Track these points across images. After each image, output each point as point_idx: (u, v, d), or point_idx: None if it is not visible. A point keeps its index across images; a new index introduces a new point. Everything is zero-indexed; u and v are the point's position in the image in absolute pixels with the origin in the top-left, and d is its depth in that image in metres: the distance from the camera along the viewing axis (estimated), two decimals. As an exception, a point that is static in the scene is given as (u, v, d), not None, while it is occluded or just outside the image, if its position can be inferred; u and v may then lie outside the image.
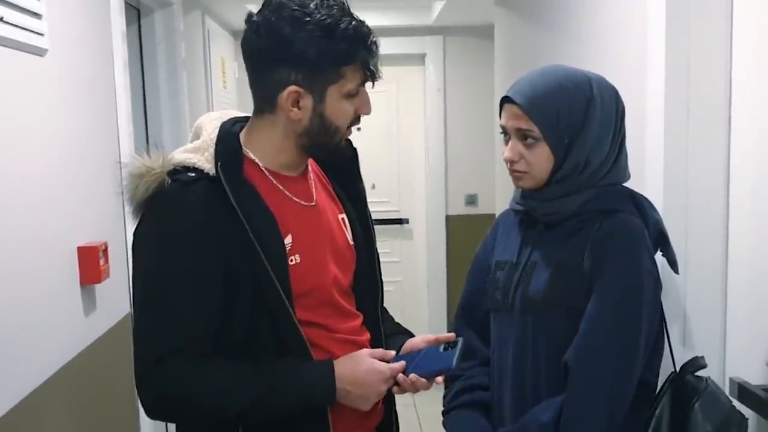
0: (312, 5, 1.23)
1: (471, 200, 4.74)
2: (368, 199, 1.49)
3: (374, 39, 1.28)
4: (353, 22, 1.24)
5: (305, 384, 1.25)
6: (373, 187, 4.57)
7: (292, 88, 1.24)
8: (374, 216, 1.51)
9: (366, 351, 1.32)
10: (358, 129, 1.37)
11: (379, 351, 1.33)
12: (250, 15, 1.27)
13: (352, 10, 1.27)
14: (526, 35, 2.93)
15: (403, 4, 4.45)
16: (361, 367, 1.27)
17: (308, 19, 1.22)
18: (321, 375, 1.26)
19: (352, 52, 1.24)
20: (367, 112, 1.33)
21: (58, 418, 1.70)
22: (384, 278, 1.49)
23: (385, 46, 1.32)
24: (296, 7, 1.23)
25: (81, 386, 1.85)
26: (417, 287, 4.91)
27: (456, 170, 4.73)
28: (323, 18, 1.22)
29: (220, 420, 1.26)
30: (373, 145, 4.39)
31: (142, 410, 2.25)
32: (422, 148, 4.81)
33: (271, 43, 1.24)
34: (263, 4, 1.27)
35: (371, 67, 1.27)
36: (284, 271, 1.25)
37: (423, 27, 4.55)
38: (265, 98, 1.28)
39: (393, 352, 1.35)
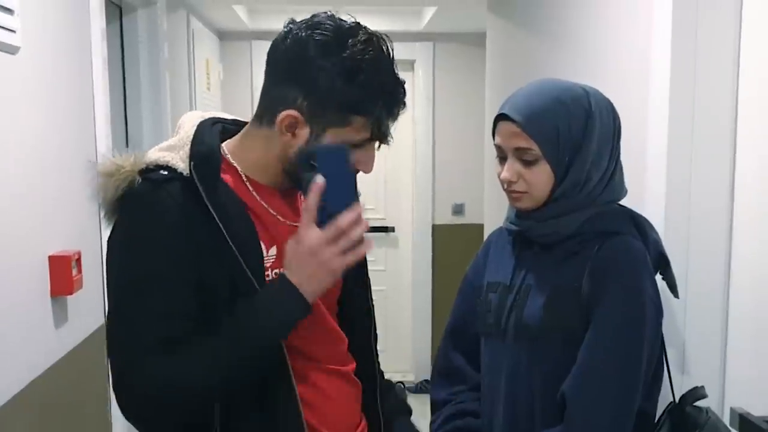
0: (350, 40, 1.13)
1: (458, 210, 4.70)
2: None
3: (401, 104, 1.19)
4: (382, 76, 1.15)
5: (270, 302, 1.15)
6: (359, 193, 4.50)
7: (293, 112, 1.16)
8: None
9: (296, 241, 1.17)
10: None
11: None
12: (291, 20, 1.20)
13: (389, 53, 1.18)
14: (520, 44, 2.88)
15: (394, 10, 4.41)
16: (304, 259, 1.14)
17: (336, 51, 1.13)
18: (280, 290, 1.15)
19: (366, 105, 1.14)
20: (367, 170, 1.22)
21: (24, 436, 1.62)
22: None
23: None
24: (331, 34, 1.14)
25: (51, 402, 1.77)
26: (402, 296, 4.86)
27: (443, 179, 4.69)
28: (352, 57, 1.13)
29: (214, 395, 1.16)
30: (360, 151, 4.32)
31: (114, 426, 2.19)
32: (410, 156, 4.76)
33: (290, 59, 1.16)
34: (311, 15, 1.19)
35: (383, 129, 1.18)
36: (263, 279, 1.18)
37: (413, 33, 4.51)
38: (267, 110, 1.20)
39: None
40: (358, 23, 1.18)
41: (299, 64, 1.15)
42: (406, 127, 4.70)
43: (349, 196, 1.15)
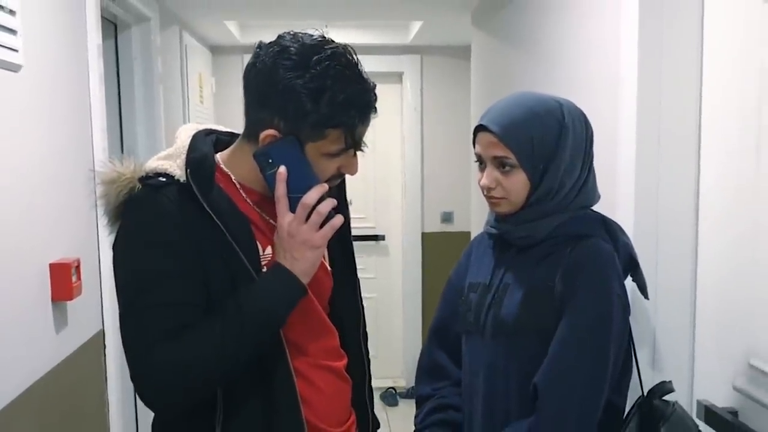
0: (315, 58, 1.19)
1: (447, 218, 4.76)
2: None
3: (372, 109, 1.26)
4: (349, 88, 1.21)
5: (267, 286, 1.23)
6: (350, 203, 4.55)
7: (272, 131, 1.23)
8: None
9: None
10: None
11: None
12: (260, 44, 1.26)
13: (358, 63, 1.24)
14: (502, 57, 2.97)
15: (382, 23, 4.48)
16: (286, 243, 1.24)
17: (302, 73, 1.19)
18: (274, 274, 1.24)
19: (338, 118, 1.21)
20: (351, 173, 1.30)
21: (26, 437, 1.67)
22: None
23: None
24: (296, 57, 1.20)
25: (51, 405, 1.82)
26: (392, 304, 4.91)
27: (432, 188, 4.75)
28: (318, 77, 1.19)
29: (219, 376, 1.22)
30: (350, 161, 4.38)
31: (112, 429, 2.24)
32: (399, 165, 4.83)
33: (260, 84, 1.23)
34: (277, 37, 1.25)
35: (356, 138, 1.24)
36: (260, 274, 1.24)
37: (401, 46, 4.58)
38: (251, 129, 1.28)
39: None
40: (323, 37, 1.24)
41: (269, 91, 1.22)
42: (394, 137, 4.77)
43: (310, 179, 1.25)
